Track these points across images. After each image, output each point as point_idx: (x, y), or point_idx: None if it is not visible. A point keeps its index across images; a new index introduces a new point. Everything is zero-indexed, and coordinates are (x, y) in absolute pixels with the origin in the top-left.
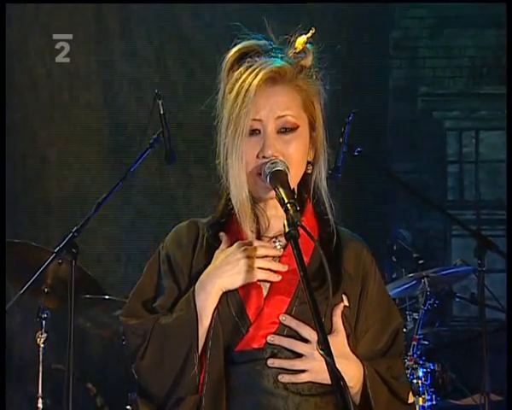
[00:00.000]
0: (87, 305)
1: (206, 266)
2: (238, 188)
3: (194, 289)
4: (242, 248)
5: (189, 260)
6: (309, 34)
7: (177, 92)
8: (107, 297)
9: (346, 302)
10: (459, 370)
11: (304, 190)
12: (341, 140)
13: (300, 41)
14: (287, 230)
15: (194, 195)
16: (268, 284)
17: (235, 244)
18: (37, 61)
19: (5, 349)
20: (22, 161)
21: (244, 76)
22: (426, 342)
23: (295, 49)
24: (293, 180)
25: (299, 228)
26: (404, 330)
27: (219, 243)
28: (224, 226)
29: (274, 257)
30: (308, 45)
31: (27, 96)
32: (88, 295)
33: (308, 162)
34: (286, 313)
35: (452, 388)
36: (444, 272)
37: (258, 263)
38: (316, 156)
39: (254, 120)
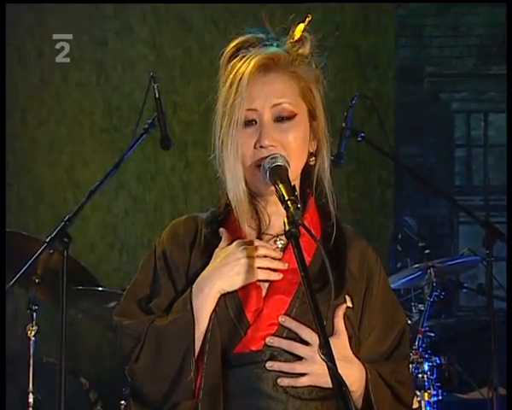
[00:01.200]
0: (79, 296)
1: (204, 265)
2: (234, 182)
3: (191, 291)
4: (242, 247)
5: (187, 257)
6: (305, 22)
7: (174, 72)
8: (100, 289)
9: (349, 303)
10: (466, 362)
11: (306, 183)
12: (344, 125)
13: (298, 29)
14: (287, 228)
15: (191, 179)
16: (267, 284)
17: (234, 243)
18: (26, 38)
19: (5, 349)
20: (11, 144)
21: (237, 66)
22: (432, 334)
23: (292, 38)
24: (294, 172)
25: (300, 226)
26: (409, 322)
27: (219, 240)
28: (224, 223)
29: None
30: (306, 33)
31: (16, 74)
32: (80, 287)
33: (310, 154)
34: (286, 314)
35: (459, 381)
36: (450, 262)
37: (258, 263)
38: (318, 147)
39: (249, 110)
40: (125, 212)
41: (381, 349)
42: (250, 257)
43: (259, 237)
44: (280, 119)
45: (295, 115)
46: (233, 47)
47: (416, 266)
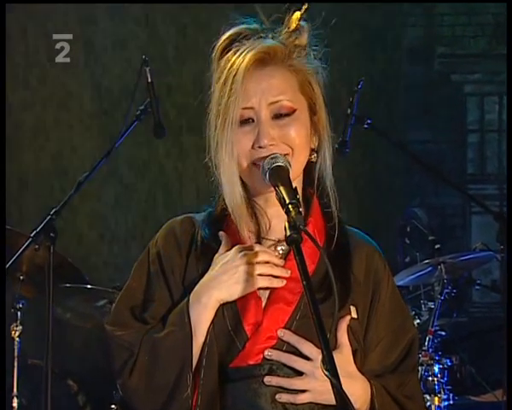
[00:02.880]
0: (67, 294)
1: (202, 271)
2: (230, 185)
3: (188, 301)
4: (241, 253)
5: (183, 261)
6: (302, 10)
7: (167, 52)
8: (89, 286)
9: (353, 314)
10: (479, 363)
11: (307, 181)
12: (349, 111)
13: (294, 18)
14: (288, 233)
15: (186, 167)
16: (267, 293)
17: (233, 249)
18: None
19: (5, 349)
20: None
21: (231, 61)
22: (443, 333)
23: (288, 27)
24: (297, 170)
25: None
26: (418, 321)
27: (217, 243)
28: (223, 225)
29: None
30: (302, 23)
31: None
32: (68, 284)
33: (312, 150)
34: (286, 326)
35: (471, 383)
36: (462, 258)
37: (259, 269)
38: (319, 143)
39: (245, 108)
40: (116, 201)
41: (388, 361)
42: (250, 264)
43: (259, 242)
44: (278, 115)
45: (295, 111)
46: (225, 40)
47: (426, 261)
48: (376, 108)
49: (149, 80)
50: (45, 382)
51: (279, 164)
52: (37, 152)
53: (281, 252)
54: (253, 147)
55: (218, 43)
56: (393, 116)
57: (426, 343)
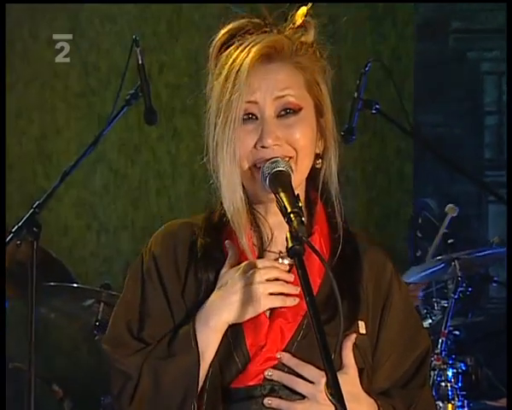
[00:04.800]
0: (51, 293)
1: (203, 282)
2: (231, 188)
3: (194, 323)
4: (250, 271)
5: (182, 272)
6: (309, 5)
7: (160, 28)
8: (75, 285)
9: (362, 330)
10: (496, 365)
11: (311, 189)
12: (356, 95)
13: (299, 13)
14: (289, 245)
15: (180, 151)
16: (269, 311)
17: (242, 266)
18: None
19: (5, 349)
20: None
21: (234, 55)
22: (457, 333)
23: (294, 23)
24: (301, 175)
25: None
26: (430, 321)
27: (220, 252)
28: (223, 234)
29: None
30: (308, 19)
31: None
32: (53, 282)
33: (317, 155)
34: (286, 347)
35: (488, 386)
36: (478, 254)
37: (270, 288)
38: (325, 147)
39: (249, 102)
40: (104, 188)
41: (398, 375)
42: (260, 282)
43: (260, 255)
44: (284, 113)
45: (301, 109)
46: (225, 34)
47: (439, 258)
48: (385, 89)
49: (140, 62)
50: (28, 387)
51: (280, 169)
52: (20, 135)
53: (285, 262)
54: (255, 147)
55: (217, 38)
56: (404, 97)
57: (439, 346)
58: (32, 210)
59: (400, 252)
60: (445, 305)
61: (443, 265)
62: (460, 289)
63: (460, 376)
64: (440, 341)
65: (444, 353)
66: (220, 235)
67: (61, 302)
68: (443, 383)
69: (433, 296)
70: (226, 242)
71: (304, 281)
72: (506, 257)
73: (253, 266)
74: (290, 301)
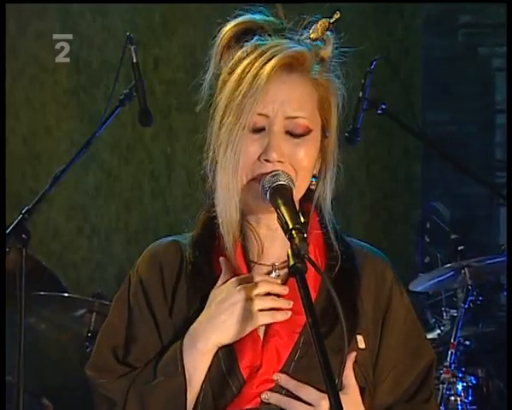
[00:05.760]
0: (41, 302)
1: (193, 301)
2: (228, 194)
3: (181, 345)
4: (238, 287)
5: (170, 292)
6: (332, 19)
7: (154, 21)
8: (66, 295)
9: (361, 345)
10: (508, 376)
11: (305, 200)
12: (361, 94)
13: (321, 25)
14: (291, 262)
15: (175, 150)
16: (263, 328)
17: (229, 283)
18: None
19: (5, 349)
20: None
21: (252, 57)
22: (467, 343)
23: (311, 33)
24: (297, 194)
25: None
26: (439, 331)
27: (210, 268)
28: (212, 249)
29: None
30: (328, 33)
31: None
32: (42, 292)
33: (313, 176)
34: (284, 367)
35: (499, 399)
36: (489, 262)
37: (259, 304)
38: (322, 169)
39: (260, 114)
40: (96, 190)
41: (401, 389)
42: (249, 298)
43: (251, 269)
44: (292, 133)
45: (310, 131)
46: (236, 26)
47: (448, 265)
48: (392, 86)
49: (134, 60)
50: (17, 400)
51: (281, 183)
52: (7, 134)
53: (274, 276)
54: (258, 159)
55: (226, 28)
56: (411, 95)
57: (448, 358)
58: (20, 216)
59: (408, 259)
60: (455, 314)
61: (452, 272)
62: (470, 297)
63: (470, 390)
64: (450, 352)
65: (453, 365)
66: (209, 252)
67: (52, 312)
68: (452, 398)
69: (442, 305)
70: (221, 259)
71: (306, 300)
72: (506, 257)
73: (242, 282)
74: (281, 316)
